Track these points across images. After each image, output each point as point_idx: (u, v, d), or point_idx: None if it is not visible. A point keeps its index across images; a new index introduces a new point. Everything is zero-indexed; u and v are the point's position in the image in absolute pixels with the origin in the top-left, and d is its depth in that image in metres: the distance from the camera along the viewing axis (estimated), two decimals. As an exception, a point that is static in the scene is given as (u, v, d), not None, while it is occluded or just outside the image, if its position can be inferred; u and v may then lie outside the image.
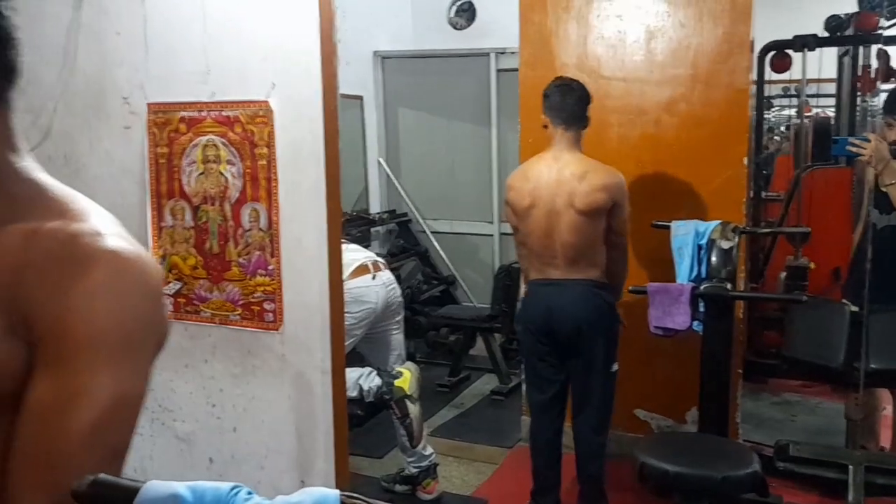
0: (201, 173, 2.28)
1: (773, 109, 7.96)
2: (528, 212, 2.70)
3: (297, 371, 2.24)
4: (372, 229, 5.35)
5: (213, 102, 2.23)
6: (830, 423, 3.70)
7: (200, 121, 2.26)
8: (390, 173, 5.66)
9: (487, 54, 5.41)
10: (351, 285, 3.04)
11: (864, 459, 2.55)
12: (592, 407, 2.72)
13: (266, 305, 2.25)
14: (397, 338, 3.28)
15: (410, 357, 4.79)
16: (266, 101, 2.17)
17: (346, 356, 3.20)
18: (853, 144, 2.74)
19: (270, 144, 2.20)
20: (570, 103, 2.70)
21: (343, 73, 5.23)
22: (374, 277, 3.12)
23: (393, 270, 5.06)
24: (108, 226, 0.82)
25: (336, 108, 2.14)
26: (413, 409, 2.92)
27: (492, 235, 5.48)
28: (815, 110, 6.74)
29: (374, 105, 5.66)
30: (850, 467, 2.47)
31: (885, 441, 3.31)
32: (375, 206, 5.59)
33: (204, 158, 2.28)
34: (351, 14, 5.21)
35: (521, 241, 2.79)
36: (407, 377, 2.94)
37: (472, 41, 5.50)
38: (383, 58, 5.65)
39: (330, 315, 2.17)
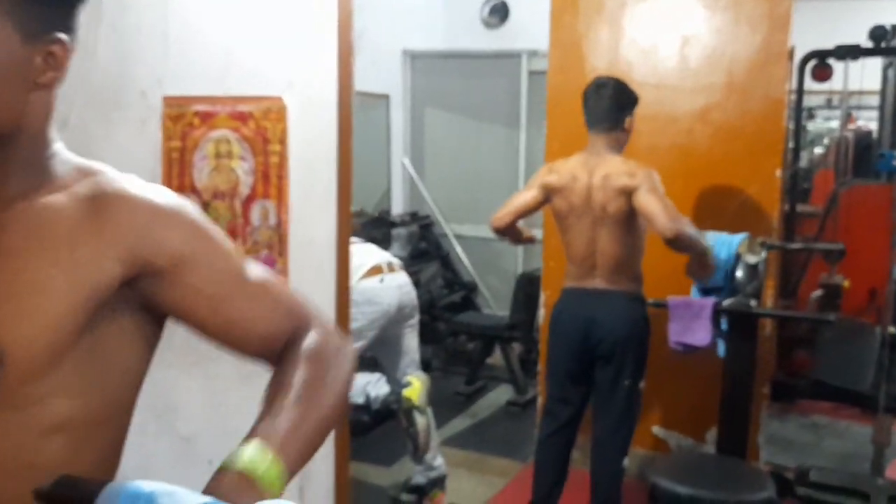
0: (213, 168, 2.24)
1: (815, 120, 7.75)
2: (566, 211, 2.62)
3: (302, 375, 2.18)
4: (393, 231, 5.29)
5: (227, 97, 2.19)
6: (859, 448, 3.55)
7: (214, 115, 2.22)
8: (414, 174, 5.60)
9: (519, 55, 5.32)
10: (364, 285, 2.99)
11: (888, 489, 2.42)
12: (617, 426, 2.62)
13: (273, 306, 2.20)
14: (411, 342, 3.22)
15: (427, 364, 4.73)
16: (280, 98, 2.12)
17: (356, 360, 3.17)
18: None
19: (283, 141, 2.14)
20: (600, 103, 2.60)
21: (370, 72, 5.28)
22: (387, 279, 3.05)
23: (413, 274, 5.00)
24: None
25: (351, 108, 2.08)
26: (420, 420, 2.85)
27: (516, 241, 5.39)
28: (859, 122, 6.54)
29: (401, 104, 5.60)
30: (871, 496, 2.35)
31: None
32: (398, 208, 5.53)
33: (216, 153, 2.23)
34: (381, 11, 5.17)
35: (514, 220, 2.73)
36: (416, 387, 2.86)
37: (504, 41, 5.41)
38: (412, 56, 5.60)
39: (336, 317, 2.11)
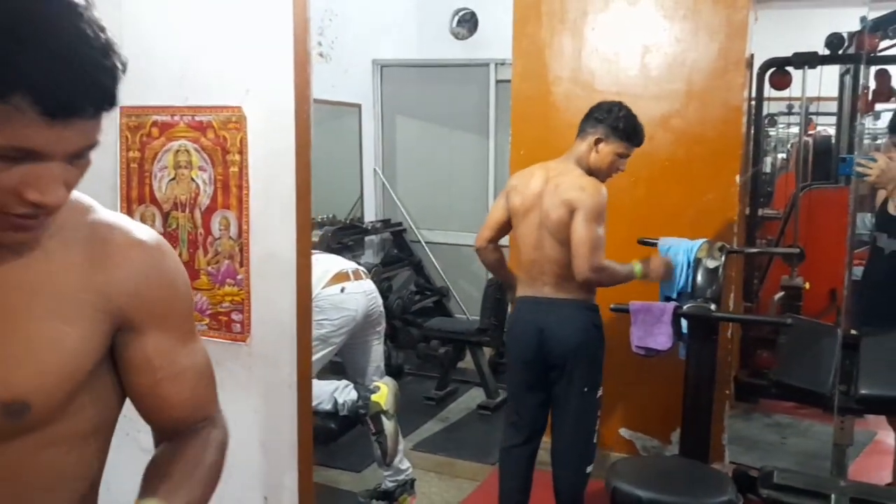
0: (172, 179, 2.25)
1: (777, 126, 7.90)
2: (523, 218, 2.60)
3: (264, 384, 2.19)
4: (366, 238, 5.31)
5: (186, 107, 2.20)
6: (822, 447, 3.60)
7: (173, 125, 2.23)
8: (386, 182, 5.62)
9: (487, 65, 5.37)
10: (330, 292, 3.00)
11: (850, 491, 2.47)
12: (575, 435, 2.59)
13: (234, 316, 2.20)
14: (377, 349, 3.23)
15: (399, 369, 4.75)
16: (239, 107, 2.14)
17: (323, 367, 3.17)
18: (860, 164, 2.64)
19: (243, 151, 2.16)
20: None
21: (342, 82, 5.29)
22: (352, 285, 3.07)
23: (386, 280, 5.03)
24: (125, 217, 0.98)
25: (309, 116, 2.09)
26: (388, 425, 2.86)
27: (487, 247, 5.43)
28: (819, 128, 6.67)
29: (373, 113, 5.63)
30: (833, 498, 2.39)
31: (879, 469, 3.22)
32: (370, 215, 5.55)
33: (175, 164, 2.24)
34: (352, 23, 5.20)
35: (493, 237, 2.70)
36: (384, 392, 2.88)
37: (473, 51, 5.46)
38: (382, 66, 5.62)
39: (297, 328, 2.12)
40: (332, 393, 2.85)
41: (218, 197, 2.19)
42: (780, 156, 7.27)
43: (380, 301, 3.21)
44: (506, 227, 2.70)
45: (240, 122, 2.14)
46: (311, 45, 2.09)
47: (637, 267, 2.63)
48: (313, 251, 3.27)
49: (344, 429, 2.90)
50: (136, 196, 2.29)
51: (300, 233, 2.09)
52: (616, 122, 2.58)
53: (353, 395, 2.85)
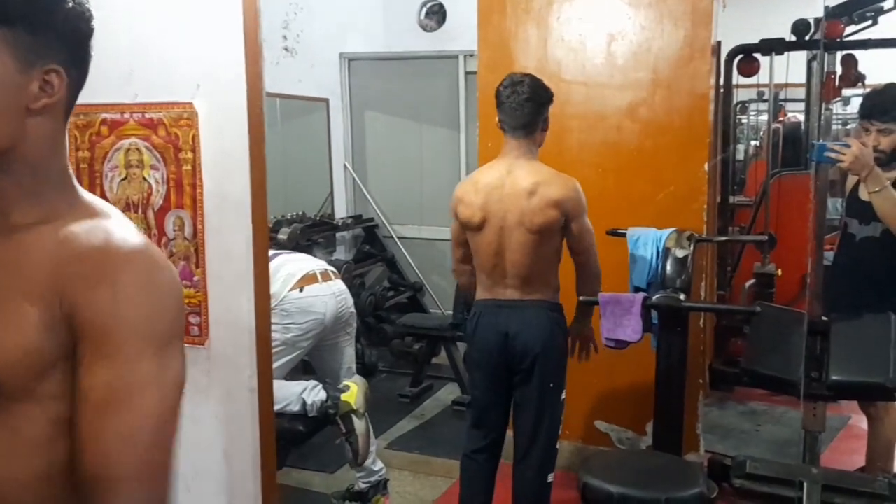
0: (124, 178, 2.17)
1: (749, 114, 7.93)
2: (479, 228, 2.51)
3: (224, 388, 2.13)
4: (337, 234, 5.24)
5: (135, 104, 2.13)
6: (796, 434, 3.59)
7: (123, 123, 2.15)
8: (356, 177, 5.56)
9: (456, 57, 5.32)
10: (297, 295, 2.93)
11: (822, 478, 2.46)
12: (540, 436, 2.52)
13: (191, 319, 2.13)
14: (349, 351, 3.16)
15: (373, 367, 4.69)
16: (190, 103, 2.07)
17: (294, 367, 3.10)
18: (833, 150, 2.62)
19: (195, 149, 2.09)
20: (519, 105, 2.45)
21: (309, 76, 5.20)
22: (320, 287, 2.98)
23: (358, 277, 4.97)
24: (131, 226, 0.93)
25: (262, 110, 2.03)
26: (359, 425, 2.80)
27: (460, 241, 5.39)
28: (790, 115, 6.70)
29: (341, 108, 5.55)
30: (805, 486, 2.38)
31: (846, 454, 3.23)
32: (341, 211, 5.47)
33: (127, 163, 2.17)
34: (318, 16, 5.11)
35: (464, 257, 2.63)
36: (354, 391, 2.82)
37: (442, 43, 5.40)
38: (350, 60, 5.55)
39: (256, 329, 2.06)
40: (300, 394, 2.79)
41: (171, 196, 2.13)
42: (754, 143, 7.31)
43: (350, 302, 3.13)
44: (464, 243, 2.63)
45: (191, 118, 2.07)
46: (263, 37, 2.02)
47: None
48: (280, 251, 3.22)
49: (313, 430, 2.83)
50: (86, 197, 2.21)
51: (256, 231, 2.04)
52: (549, 91, 2.55)
53: (322, 395, 2.79)
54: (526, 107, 2.46)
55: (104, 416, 0.83)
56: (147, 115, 2.12)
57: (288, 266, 3.00)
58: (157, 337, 0.86)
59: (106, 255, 0.87)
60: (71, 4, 0.91)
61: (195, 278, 2.12)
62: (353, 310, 3.17)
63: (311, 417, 2.77)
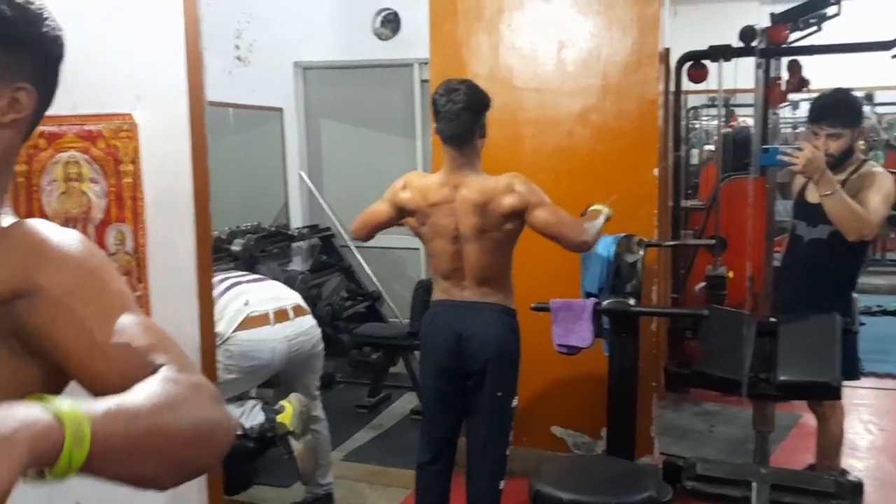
0: (63, 192, 2.11)
1: (701, 119, 8.08)
2: (428, 230, 2.50)
3: (170, 404, 2.07)
4: (293, 245, 5.18)
5: (74, 116, 2.07)
6: (749, 433, 3.67)
7: (61, 136, 2.09)
8: (312, 187, 5.51)
9: (411, 65, 5.32)
10: (243, 337, 2.77)
11: (770, 477, 2.50)
12: (492, 443, 2.49)
13: (134, 334, 2.08)
14: (311, 381, 3.06)
15: (331, 378, 4.64)
16: (130, 115, 2.02)
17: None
18: (785, 153, 2.66)
19: (136, 161, 2.04)
20: (455, 114, 2.36)
21: (262, 86, 5.14)
22: (269, 330, 2.82)
23: (315, 287, 4.91)
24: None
25: (204, 121, 2.00)
26: (297, 445, 2.71)
27: (418, 249, 5.36)
28: (740, 119, 6.85)
29: (296, 117, 5.50)
30: (754, 486, 2.42)
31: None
32: (297, 221, 5.42)
33: (65, 177, 2.11)
34: (271, 25, 5.07)
35: (371, 236, 2.70)
36: (289, 412, 2.71)
37: (397, 52, 5.39)
38: (304, 68, 5.51)
39: (201, 345, 2.02)
40: (238, 418, 2.71)
41: (112, 210, 2.07)
42: (708, 147, 7.45)
43: (313, 339, 2.97)
44: (384, 229, 2.70)
45: (131, 130, 2.03)
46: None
47: (605, 210, 2.60)
48: (240, 279, 3.04)
49: (263, 447, 2.78)
50: (23, 212, 2.14)
51: (200, 245, 2.00)
52: (486, 96, 2.47)
53: (261, 417, 2.71)
54: (462, 115, 2.37)
55: (107, 333, 0.88)
56: (86, 128, 2.07)
57: (239, 300, 2.85)
58: (109, 273, 0.94)
59: (44, 237, 0.91)
60: (45, 28, 0.95)
61: (137, 293, 2.07)
62: (318, 349, 3.04)
63: (253, 438, 2.71)
